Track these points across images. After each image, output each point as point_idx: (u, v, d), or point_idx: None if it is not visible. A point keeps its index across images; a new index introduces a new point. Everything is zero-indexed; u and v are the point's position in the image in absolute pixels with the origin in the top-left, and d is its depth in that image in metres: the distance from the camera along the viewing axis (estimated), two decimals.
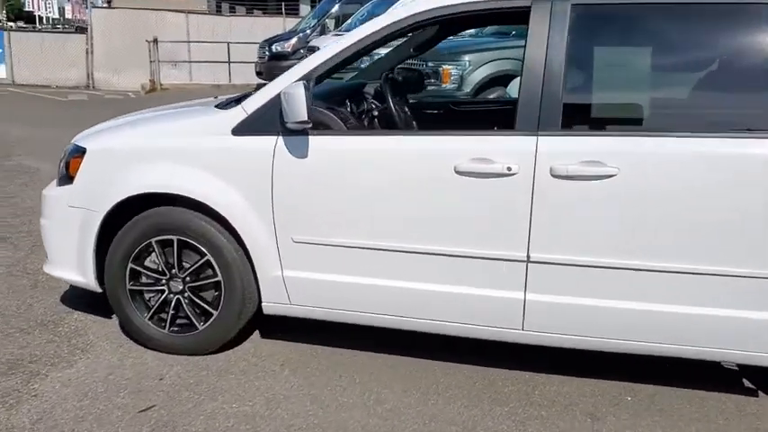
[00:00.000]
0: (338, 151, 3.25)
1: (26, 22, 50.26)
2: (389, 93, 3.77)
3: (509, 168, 3.02)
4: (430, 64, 8.80)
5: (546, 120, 3.02)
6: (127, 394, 3.26)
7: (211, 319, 3.55)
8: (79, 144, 3.70)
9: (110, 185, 3.52)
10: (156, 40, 18.10)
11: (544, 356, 3.47)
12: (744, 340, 2.96)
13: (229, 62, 18.76)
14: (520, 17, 3.15)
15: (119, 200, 3.49)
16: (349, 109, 3.81)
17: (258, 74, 15.86)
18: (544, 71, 3.04)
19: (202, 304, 3.55)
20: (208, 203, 3.37)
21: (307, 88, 3.06)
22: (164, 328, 3.64)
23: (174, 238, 3.49)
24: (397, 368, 3.54)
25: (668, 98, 3.14)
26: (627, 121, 3.08)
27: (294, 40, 15.40)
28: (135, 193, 3.45)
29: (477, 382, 3.42)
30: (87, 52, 20.62)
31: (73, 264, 3.70)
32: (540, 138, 3.02)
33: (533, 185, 3.02)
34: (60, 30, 32.31)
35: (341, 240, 3.27)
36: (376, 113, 3.78)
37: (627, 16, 3.11)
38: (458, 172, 3.08)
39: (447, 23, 4.05)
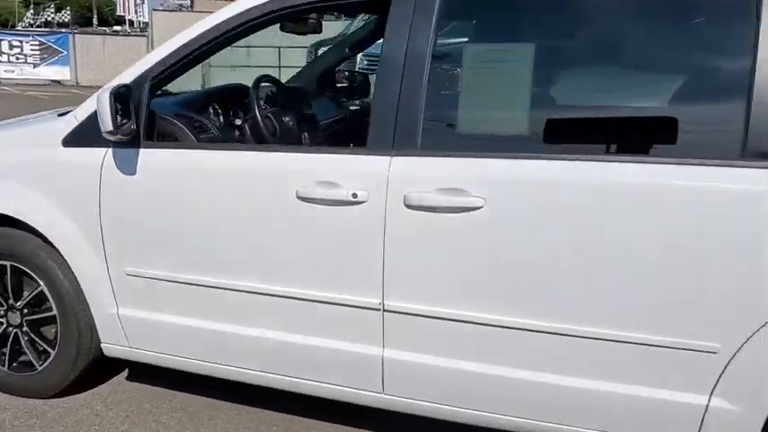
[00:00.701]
0: (168, 168, 2.70)
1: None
2: (256, 100, 3.17)
3: (355, 195, 2.40)
4: None
5: (402, 136, 2.39)
6: None
7: (49, 359, 3.06)
8: None
9: None
10: None
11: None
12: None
13: (280, 66, 18.38)
14: (381, 8, 2.50)
15: None
16: (219, 117, 3.23)
17: None
18: (402, 76, 2.40)
19: (39, 341, 3.04)
20: (33, 225, 2.86)
21: (115, 94, 2.52)
22: (3, 364, 3.14)
23: (7, 263, 3.00)
24: (259, 427, 2.94)
25: (559, 110, 2.43)
26: (502, 140, 2.40)
27: None
28: None
29: None
30: None
31: None
32: (393, 159, 2.39)
33: (385, 217, 2.38)
34: (122, 32, 32.86)
35: (168, 275, 2.72)
36: (239, 123, 3.19)
37: (516, 5, 2.42)
38: (300, 197, 2.48)
39: (303, 15, 3.40)
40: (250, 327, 2.68)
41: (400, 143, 2.39)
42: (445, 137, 2.45)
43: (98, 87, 2.74)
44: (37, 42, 20.70)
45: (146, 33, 23.99)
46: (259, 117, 3.10)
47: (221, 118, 3.20)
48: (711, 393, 2.19)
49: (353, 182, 2.41)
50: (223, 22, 2.65)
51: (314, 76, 4.15)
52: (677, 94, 2.25)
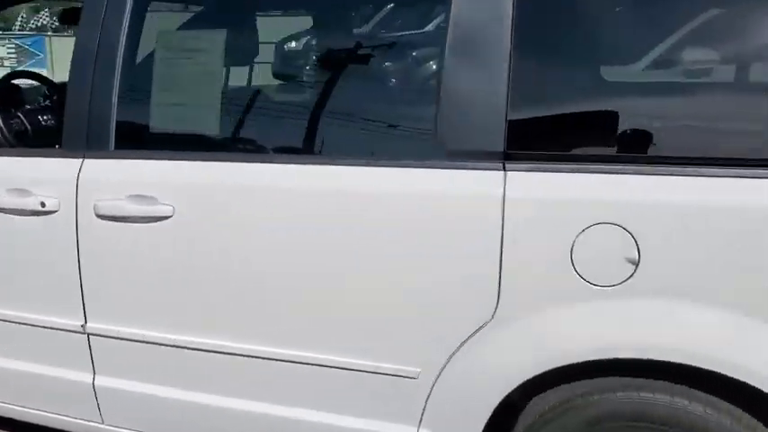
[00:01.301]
0: None
1: None
2: None
3: (43, 204, 2.12)
4: None
5: (95, 135, 2.13)
6: None
7: None
8: None
9: None
10: None
11: None
12: None
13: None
14: None
15: None
16: None
17: None
18: (95, 67, 2.11)
19: None
20: None
21: None
22: None
23: None
24: None
25: (251, 107, 2.14)
26: (194, 141, 2.12)
27: None
28: None
29: None
30: None
31: None
32: (85, 161, 2.11)
33: (77, 229, 2.10)
34: None
35: None
36: None
37: None
38: None
39: None
40: None
41: (93, 144, 2.13)
42: (139, 137, 2.18)
43: None
44: (13, 45, 20.50)
45: None
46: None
47: None
48: (420, 424, 1.91)
49: (43, 188, 2.15)
50: None
51: None
52: (372, 92, 1.97)
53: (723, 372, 1.58)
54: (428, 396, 1.87)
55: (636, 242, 1.62)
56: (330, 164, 1.89)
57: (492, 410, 1.82)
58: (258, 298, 1.96)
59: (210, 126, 2.09)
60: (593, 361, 1.71)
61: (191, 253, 2.02)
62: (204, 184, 1.99)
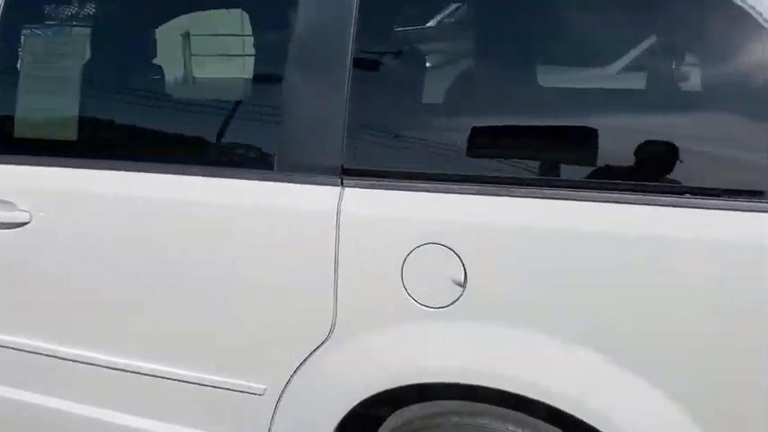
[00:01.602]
0: None
1: None
2: None
3: None
4: None
5: None
6: None
7: None
8: None
9: None
10: None
11: None
12: None
13: None
14: None
15: None
16: None
17: None
18: None
19: None
20: None
21: None
22: None
23: None
24: None
25: (114, 113, 2.11)
26: (54, 147, 2.10)
27: None
28: None
29: None
30: None
31: None
32: None
33: None
34: None
35: None
36: None
37: None
38: None
39: None
40: None
41: None
42: (6, 141, 2.15)
43: None
44: None
45: None
46: None
47: None
48: None
49: None
50: None
51: None
52: (213, 101, 1.95)
53: (543, 399, 1.53)
54: (274, 413, 1.84)
55: (462, 264, 1.56)
56: (168, 173, 1.85)
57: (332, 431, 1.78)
58: (103, 307, 1.94)
59: (67, 132, 2.06)
60: (434, 383, 1.66)
61: (44, 260, 2.00)
62: (56, 191, 1.98)
